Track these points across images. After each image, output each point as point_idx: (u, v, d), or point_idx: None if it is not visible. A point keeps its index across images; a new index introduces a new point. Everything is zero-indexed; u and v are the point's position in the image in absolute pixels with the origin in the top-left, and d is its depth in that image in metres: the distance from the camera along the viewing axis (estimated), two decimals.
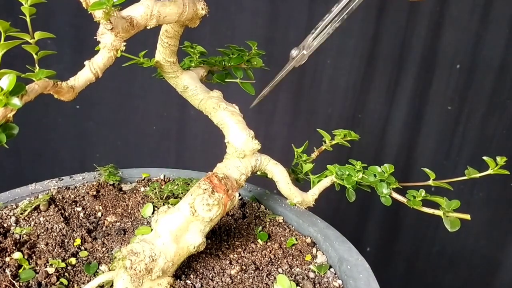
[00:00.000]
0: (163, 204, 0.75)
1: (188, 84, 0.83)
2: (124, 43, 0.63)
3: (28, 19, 0.60)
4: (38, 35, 0.62)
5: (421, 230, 1.74)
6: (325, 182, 0.85)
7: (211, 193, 0.65)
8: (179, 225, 0.65)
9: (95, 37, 0.62)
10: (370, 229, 1.71)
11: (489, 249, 1.75)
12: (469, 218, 0.73)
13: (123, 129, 1.60)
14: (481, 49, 1.48)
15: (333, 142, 0.92)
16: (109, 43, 0.62)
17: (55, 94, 0.59)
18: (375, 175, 0.78)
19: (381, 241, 1.76)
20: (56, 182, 0.93)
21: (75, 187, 0.93)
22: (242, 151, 0.75)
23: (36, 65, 0.64)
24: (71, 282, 0.69)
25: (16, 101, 0.51)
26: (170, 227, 0.64)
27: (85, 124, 1.56)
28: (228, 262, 0.73)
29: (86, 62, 0.62)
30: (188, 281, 0.68)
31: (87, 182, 0.94)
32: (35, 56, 0.63)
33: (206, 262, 0.73)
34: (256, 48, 0.93)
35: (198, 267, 0.71)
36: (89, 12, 0.56)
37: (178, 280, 0.68)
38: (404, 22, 1.46)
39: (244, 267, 0.72)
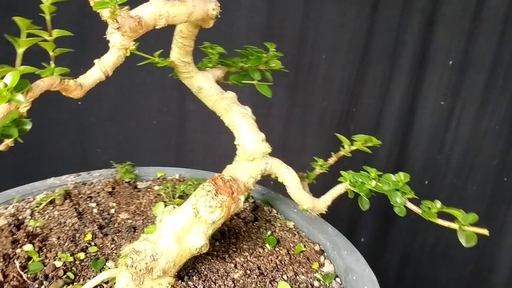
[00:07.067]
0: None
1: (203, 85, 0.83)
2: (133, 43, 0.63)
3: (48, 17, 0.61)
4: (56, 33, 0.63)
5: (415, 222, 1.74)
6: (338, 189, 0.83)
7: (214, 195, 0.64)
8: (182, 226, 0.64)
9: (104, 36, 0.63)
10: (364, 220, 1.73)
11: (484, 243, 1.74)
12: (488, 234, 0.69)
13: (124, 124, 1.62)
14: (473, 46, 1.50)
15: (353, 148, 0.89)
16: (118, 42, 0.62)
17: (63, 92, 0.60)
18: (390, 184, 0.76)
19: (375, 232, 1.79)
20: (74, 177, 0.95)
21: (92, 183, 0.94)
22: (252, 153, 0.74)
23: (51, 62, 0.65)
24: (77, 277, 0.69)
25: (20, 97, 0.52)
26: (173, 228, 0.64)
27: (86, 119, 1.58)
28: (233, 265, 0.72)
29: (95, 61, 0.63)
30: (190, 283, 0.67)
31: (103, 179, 0.96)
32: (51, 54, 0.65)
33: (211, 264, 0.72)
34: (274, 49, 0.92)
35: (203, 269, 0.71)
36: (96, 11, 0.57)
37: (180, 281, 0.67)
38: (397, 19, 1.51)
39: (248, 272, 0.71)
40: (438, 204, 0.72)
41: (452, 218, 0.71)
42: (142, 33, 0.63)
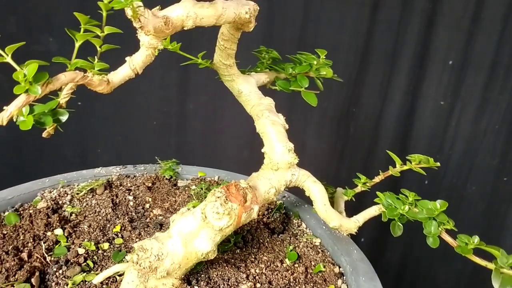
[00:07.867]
0: None
1: (243, 89, 0.82)
2: (161, 42, 0.64)
3: (104, 14, 0.63)
4: (107, 29, 0.66)
5: (415, 221, 1.67)
6: (372, 210, 0.77)
7: (224, 202, 0.62)
8: (190, 230, 0.64)
9: (136, 35, 0.64)
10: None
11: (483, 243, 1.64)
12: None
13: (124, 124, 1.63)
14: (473, 46, 1.50)
15: (404, 168, 0.83)
16: (146, 41, 0.63)
17: (88, 86, 0.62)
18: (424, 211, 0.69)
19: (376, 232, 1.74)
20: (120, 169, 0.99)
21: (134, 176, 0.97)
22: (276, 163, 0.71)
23: (96, 57, 0.68)
24: (96, 265, 0.72)
25: (38, 89, 0.54)
26: (182, 230, 0.64)
27: (86, 119, 1.59)
28: (245, 276, 0.70)
29: (127, 58, 0.65)
30: (195, 287, 0.67)
31: (146, 173, 0.99)
32: (98, 49, 0.68)
33: (225, 271, 0.71)
34: (324, 57, 0.89)
35: (214, 275, 0.70)
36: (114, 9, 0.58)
37: (187, 284, 0.67)
38: (397, 19, 1.48)
39: (258, 285, 0.68)
40: (476, 239, 0.65)
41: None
42: (170, 34, 0.64)
